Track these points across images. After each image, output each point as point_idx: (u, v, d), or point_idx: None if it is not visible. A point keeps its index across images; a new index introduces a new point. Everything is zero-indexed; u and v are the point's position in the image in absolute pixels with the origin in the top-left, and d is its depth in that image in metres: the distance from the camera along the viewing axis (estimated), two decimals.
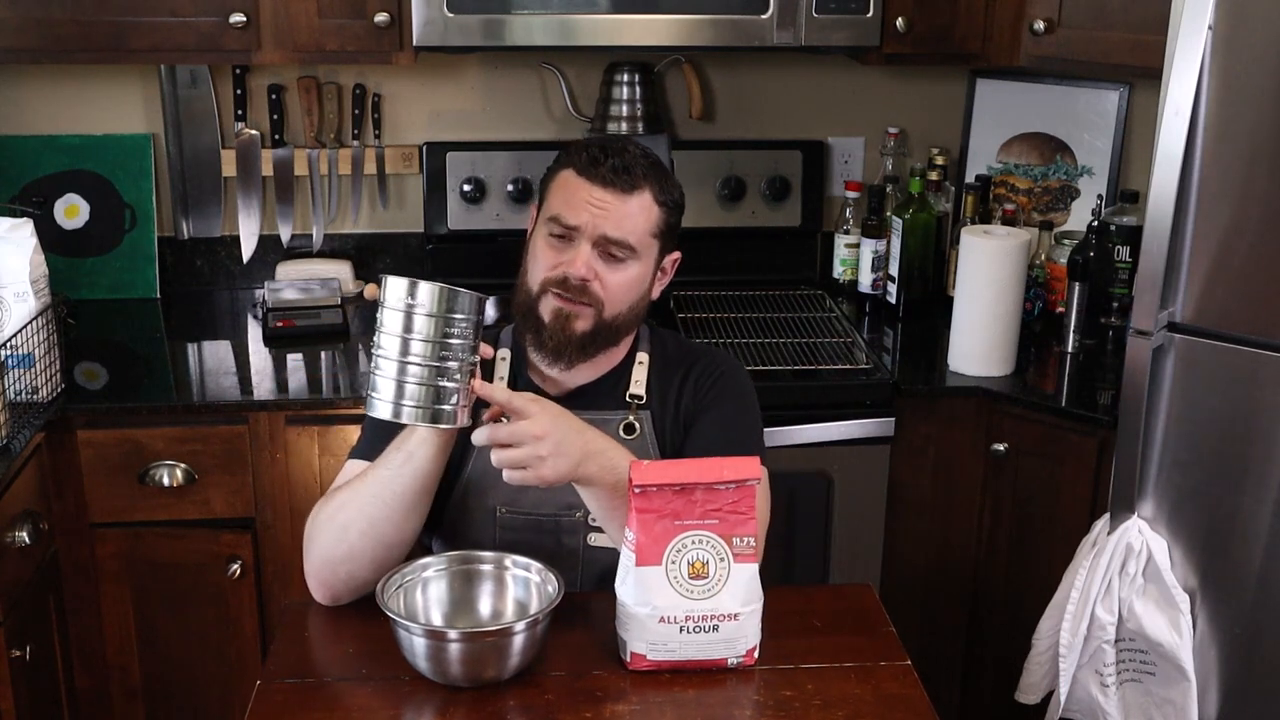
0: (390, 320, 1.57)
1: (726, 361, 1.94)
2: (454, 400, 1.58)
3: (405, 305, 1.56)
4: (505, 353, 1.90)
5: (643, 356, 1.90)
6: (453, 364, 1.57)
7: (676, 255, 1.92)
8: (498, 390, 1.63)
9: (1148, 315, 2.09)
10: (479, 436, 1.61)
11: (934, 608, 2.67)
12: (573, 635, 1.68)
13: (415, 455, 1.67)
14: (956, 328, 2.59)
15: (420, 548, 1.90)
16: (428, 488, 1.70)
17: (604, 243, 1.79)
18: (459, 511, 1.85)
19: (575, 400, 1.85)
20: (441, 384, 1.57)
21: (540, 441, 1.59)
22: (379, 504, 1.69)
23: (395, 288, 1.56)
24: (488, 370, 1.86)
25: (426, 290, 1.55)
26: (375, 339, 1.58)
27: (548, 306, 1.80)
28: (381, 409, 1.58)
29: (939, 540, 2.63)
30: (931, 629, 2.66)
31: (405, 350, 1.56)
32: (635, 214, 1.80)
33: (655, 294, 1.90)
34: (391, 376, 1.56)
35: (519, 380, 1.88)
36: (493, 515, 1.84)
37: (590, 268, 1.78)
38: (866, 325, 2.87)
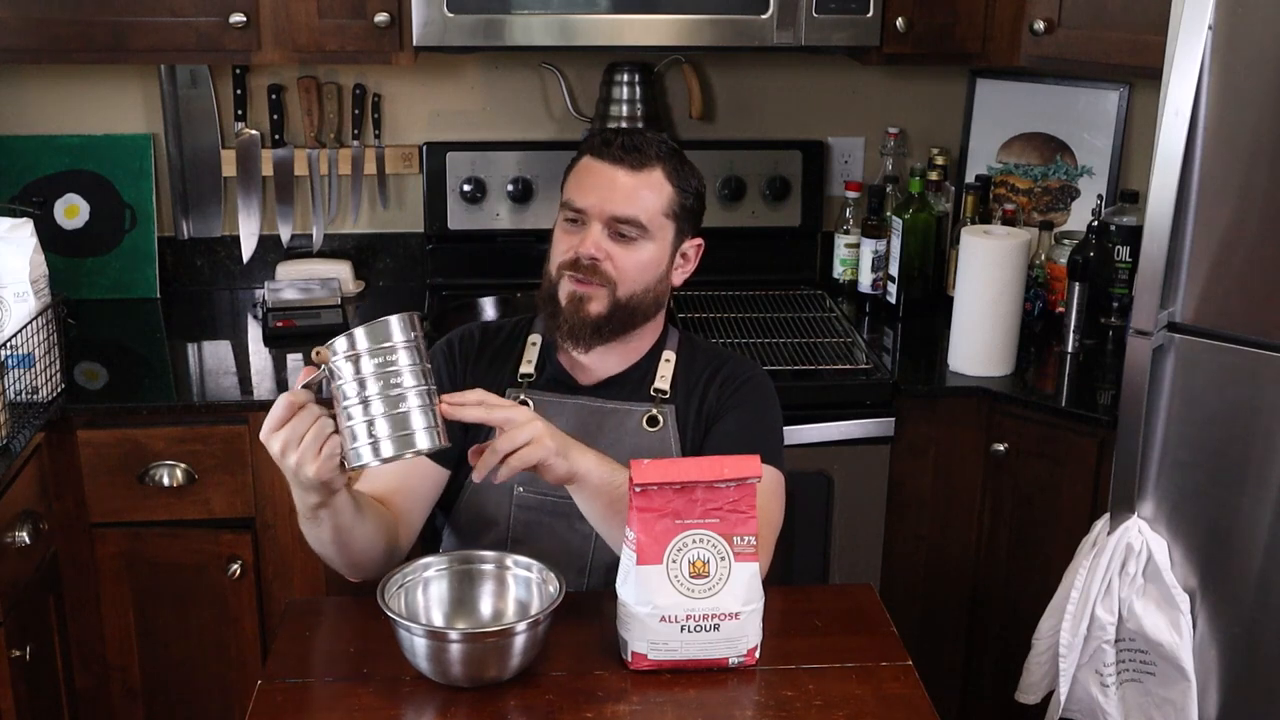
0: (340, 371, 1.53)
1: (755, 368, 1.97)
2: (427, 420, 1.54)
3: (346, 355, 1.53)
4: (536, 338, 1.93)
5: (669, 354, 1.93)
6: (410, 385, 1.53)
7: (699, 242, 1.93)
8: (468, 410, 1.59)
9: (1148, 315, 2.10)
10: (478, 475, 1.60)
11: (934, 608, 2.67)
12: (573, 635, 1.68)
13: (320, 512, 1.64)
14: (956, 328, 2.59)
15: (430, 530, 1.91)
16: (355, 518, 1.68)
17: (613, 222, 1.81)
18: (476, 491, 1.86)
19: (602, 390, 1.89)
20: (405, 409, 1.52)
21: (533, 421, 1.60)
22: (323, 544, 1.71)
23: (334, 347, 1.53)
24: (519, 357, 1.92)
25: (357, 334, 1.52)
26: (335, 402, 1.55)
27: (564, 290, 1.83)
28: (363, 454, 1.54)
29: (939, 540, 2.63)
30: (931, 629, 2.66)
31: (362, 391, 1.52)
32: (644, 191, 1.82)
33: (678, 281, 1.92)
34: (360, 419, 1.53)
35: (548, 364, 1.92)
36: (510, 494, 1.86)
37: (600, 247, 1.81)
38: (866, 325, 2.87)
